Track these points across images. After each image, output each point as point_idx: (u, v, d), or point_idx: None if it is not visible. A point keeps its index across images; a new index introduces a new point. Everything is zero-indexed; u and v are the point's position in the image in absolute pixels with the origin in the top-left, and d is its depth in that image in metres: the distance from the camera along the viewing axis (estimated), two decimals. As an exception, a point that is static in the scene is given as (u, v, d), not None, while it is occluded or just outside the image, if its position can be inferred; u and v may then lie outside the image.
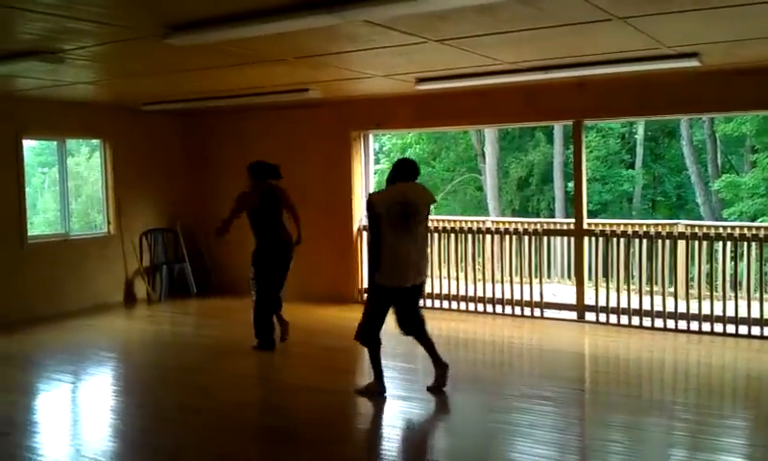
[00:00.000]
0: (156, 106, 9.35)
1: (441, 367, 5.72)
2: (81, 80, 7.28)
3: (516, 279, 8.73)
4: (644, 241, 8.07)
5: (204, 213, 10.65)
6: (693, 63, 6.39)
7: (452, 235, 9.25)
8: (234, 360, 6.98)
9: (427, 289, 9.19)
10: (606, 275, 8.21)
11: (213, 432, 4.98)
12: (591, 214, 18.70)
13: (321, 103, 9.02)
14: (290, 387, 6.20)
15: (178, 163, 10.59)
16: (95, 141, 10.14)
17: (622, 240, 8.13)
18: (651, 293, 7.92)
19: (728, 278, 7.63)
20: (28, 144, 9.56)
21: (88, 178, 19.82)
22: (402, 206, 5.42)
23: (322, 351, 7.25)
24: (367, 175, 9.73)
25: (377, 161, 22.02)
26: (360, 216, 9.59)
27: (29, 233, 9.01)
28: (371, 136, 9.81)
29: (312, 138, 9.69)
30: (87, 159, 20.31)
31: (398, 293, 5.49)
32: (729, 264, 7.68)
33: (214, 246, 10.55)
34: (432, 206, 5.76)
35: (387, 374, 6.59)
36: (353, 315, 8.85)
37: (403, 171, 5.64)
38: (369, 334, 5.61)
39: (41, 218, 19.13)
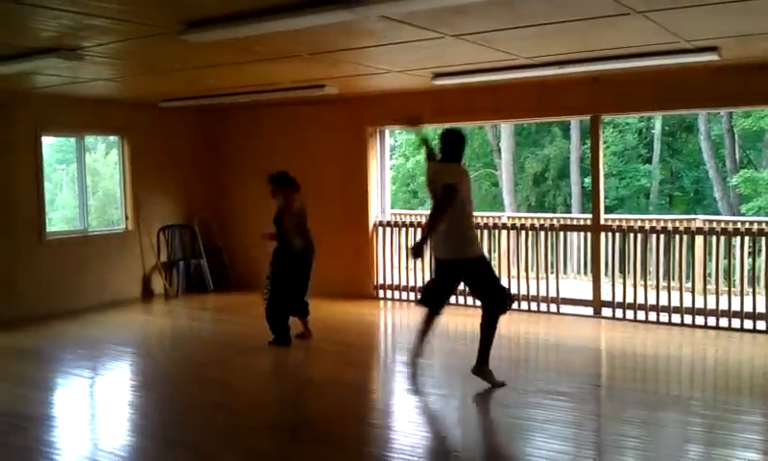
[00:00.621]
0: (173, 102, 9.40)
1: (417, 353, 5.87)
2: (99, 77, 7.33)
3: (533, 275, 8.70)
4: (661, 237, 8.02)
5: (220, 209, 10.74)
6: (712, 57, 6.33)
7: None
8: (252, 356, 7.01)
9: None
10: (623, 270, 8.16)
11: (232, 427, 5.02)
12: (608, 210, 18.58)
13: (337, 99, 9.03)
14: (308, 382, 6.23)
15: (194, 159, 10.64)
16: (112, 138, 10.21)
17: (639, 236, 8.08)
18: (668, 289, 7.87)
19: (746, 273, 7.57)
20: (47, 141, 9.64)
21: (105, 174, 19.98)
22: (431, 184, 5.80)
23: (338, 346, 7.27)
24: (382, 171, 9.73)
25: (392, 157, 22.02)
26: (376, 212, 9.60)
27: (47, 229, 9.09)
28: (386, 132, 9.81)
29: (328, 134, 9.71)
30: (105, 156, 20.48)
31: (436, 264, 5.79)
32: (746, 259, 7.62)
33: (231, 242, 10.63)
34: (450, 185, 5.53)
35: (398, 368, 6.62)
36: (369, 310, 8.95)
37: (444, 148, 5.82)
38: (424, 296, 5.96)
39: (60, 214, 19.31)
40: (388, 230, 9.54)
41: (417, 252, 5.71)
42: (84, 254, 9.37)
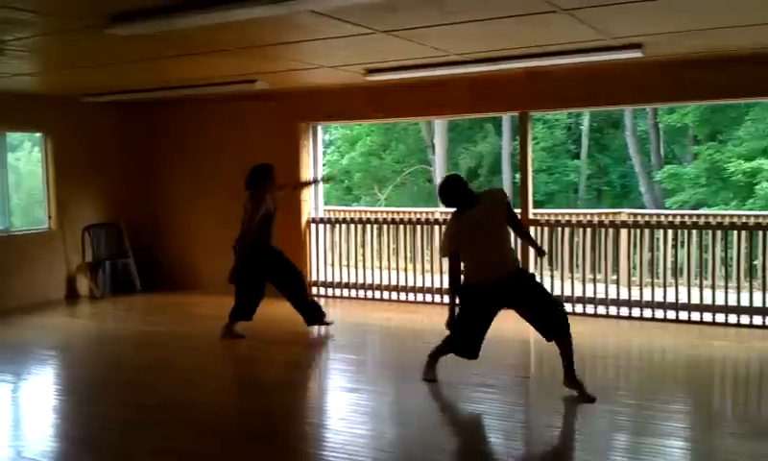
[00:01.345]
0: (99, 97, 9.14)
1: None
2: (21, 72, 7.07)
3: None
4: (588, 230, 8.21)
5: (151, 207, 10.50)
6: (636, 55, 6.52)
7: (402, 227, 9.27)
8: (179, 356, 6.88)
9: (378, 281, 9.24)
10: (551, 264, 8.34)
11: (162, 429, 4.91)
12: (538, 204, 18.94)
13: (269, 94, 8.93)
14: (240, 382, 6.15)
15: (122, 156, 10.36)
16: (38, 135, 9.87)
17: (567, 230, 8.27)
18: (594, 281, 8.08)
19: (668, 265, 7.83)
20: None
21: (30, 172, 19.31)
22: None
23: (272, 345, 7.20)
24: (316, 167, 9.67)
25: (324, 153, 21.96)
26: (310, 209, 9.54)
27: (-34, 229, 8.74)
28: (319, 128, 9.76)
29: (261, 130, 9.60)
30: (30, 153, 19.78)
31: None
32: (669, 252, 7.88)
33: (163, 241, 10.41)
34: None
35: (334, 366, 6.61)
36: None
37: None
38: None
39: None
40: (321, 226, 9.50)
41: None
42: (5, 254, 9.03)
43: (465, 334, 5.36)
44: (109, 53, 6.29)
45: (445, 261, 5.52)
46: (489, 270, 5.20)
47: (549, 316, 5.22)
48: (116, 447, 4.67)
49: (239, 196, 9.63)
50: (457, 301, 5.35)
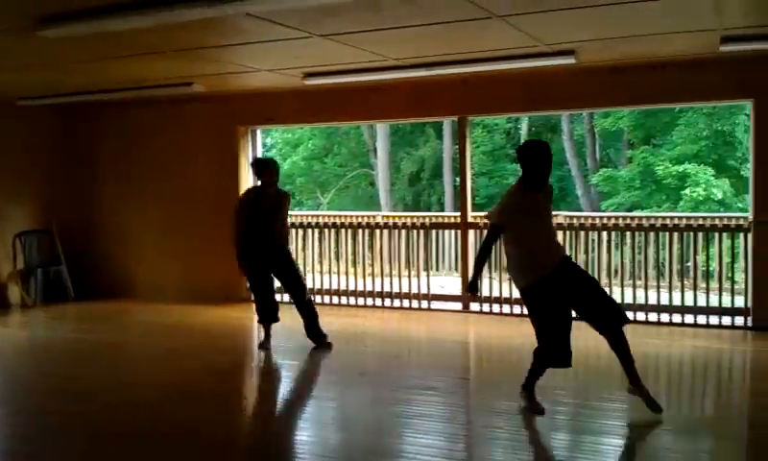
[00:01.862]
0: (34, 101, 8.88)
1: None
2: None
3: (405, 273, 8.86)
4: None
5: (84, 212, 10.22)
6: (570, 61, 6.66)
7: (344, 231, 9.27)
8: (114, 365, 6.73)
9: (319, 285, 9.20)
10: (489, 266, 8.45)
11: (92, 439, 4.79)
12: (479, 207, 19.15)
13: (207, 97, 8.82)
14: (176, 390, 6.02)
15: (55, 161, 10.05)
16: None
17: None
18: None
19: (603, 266, 8.01)
20: None
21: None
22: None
23: (211, 352, 7.09)
24: (255, 171, 9.57)
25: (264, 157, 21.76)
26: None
27: None
28: (258, 132, 9.68)
29: (199, 134, 9.46)
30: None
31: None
32: (604, 254, 8.06)
33: (97, 247, 10.15)
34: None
35: (274, 372, 6.56)
36: (243, 314, 8.79)
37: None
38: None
39: None
40: (261, 231, 9.39)
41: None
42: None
43: (552, 339, 4.84)
44: (42, 55, 6.13)
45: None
46: (543, 257, 4.81)
47: (603, 305, 4.86)
48: (45, 456, 4.53)
49: (177, 200, 9.51)
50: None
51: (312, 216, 12.53)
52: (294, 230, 9.46)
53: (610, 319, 4.82)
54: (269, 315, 6.84)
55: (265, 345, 6.83)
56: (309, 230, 9.43)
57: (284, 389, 6.08)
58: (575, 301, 4.85)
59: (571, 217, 10.21)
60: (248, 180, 9.36)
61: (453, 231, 10.42)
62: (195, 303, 8.92)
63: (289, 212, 6.96)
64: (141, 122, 9.73)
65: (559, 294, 4.79)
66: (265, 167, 6.73)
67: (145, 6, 4.48)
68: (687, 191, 15.86)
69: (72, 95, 8.57)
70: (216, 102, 9.07)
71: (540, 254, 4.82)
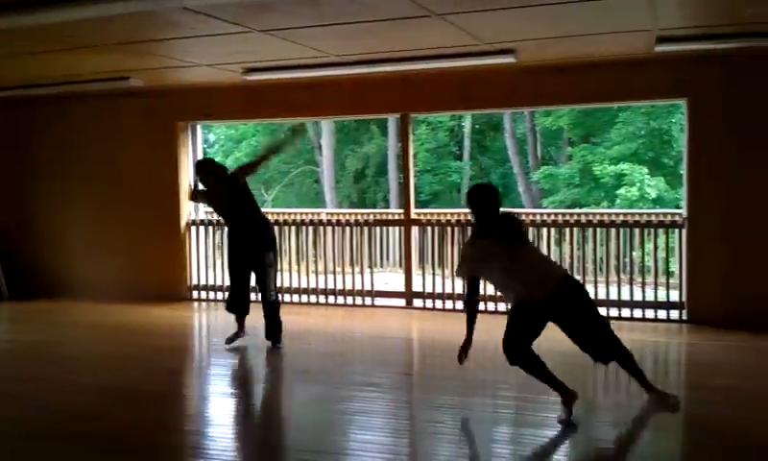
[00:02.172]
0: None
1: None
2: None
3: (349, 270, 8.85)
4: (467, 229, 8.42)
5: (19, 209, 9.91)
6: (509, 60, 6.74)
7: (287, 228, 9.20)
8: (50, 366, 6.54)
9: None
10: (430, 262, 8.52)
11: (25, 442, 4.65)
12: (423, 204, 19.31)
13: (146, 92, 8.64)
14: (115, 391, 5.89)
15: (-14, 156, 9.75)
16: None
17: (448, 228, 8.44)
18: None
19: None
20: None
21: None
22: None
23: (150, 351, 6.95)
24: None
25: (206, 153, 21.50)
26: (189, 210, 9.30)
27: None
28: (199, 128, 9.53)
29: (137, 129, 9.26)
30: None
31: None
32: (545, 249, 8.19)
33: (33, 245, 9.85)
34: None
35: (215, 371, 6.48)
36: (184, 313, 8.66)
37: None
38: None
39: None
40: (202, 228, 9.27)
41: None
42: None
43: (513, 340, 4.76)
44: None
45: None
46: (530, 288, 4.64)
47: (596, 342, 4.77)
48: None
49: (115, 197, 9.30)
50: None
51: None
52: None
53: (604, 352, 4.79)
54: (236, 307, 6.72)
55: (232, 339, 6.72)
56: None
57: (227, 389, 6.00)
58: (567, 329, 4.80)
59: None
60: (188, 175, 9.22)
61: (398, 228, 10.46)
62: (134, 301, 8.75)
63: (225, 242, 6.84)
64: (78, 117, 9.47)
65: (545, 319, 4.71)
66: (198, 172, 6.77)
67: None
68: (623, 190, 16.24)
69: (5, 89, 8.30)
70: (154, 97, 8.89)
71: (524, 287, 4.67)
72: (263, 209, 7.26)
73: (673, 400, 4.85)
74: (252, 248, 6.56)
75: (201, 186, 6.90)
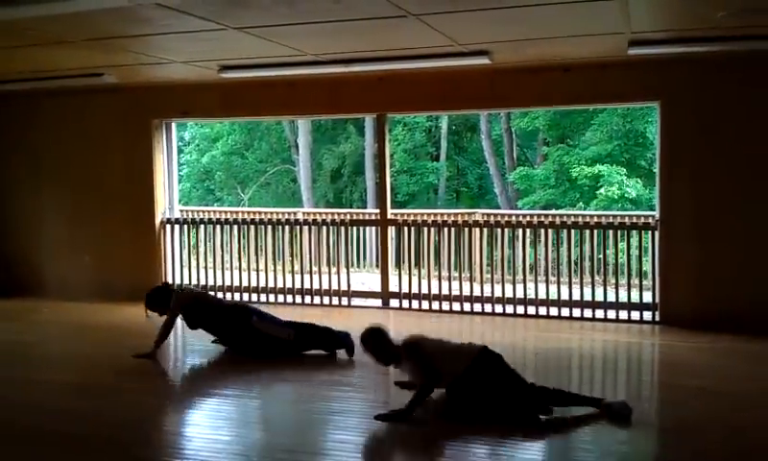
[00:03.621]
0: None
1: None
2: None
3: (326, 270, 8.83)
4: (445, 230, 8.45)
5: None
6: (484, 61, 6.77)
7: (263, 227, 9.17)
8: (26, 364, 6.47)
9: (238, 282, 9.06)
10: (407, 262, 8.53)
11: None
12: (400, 204, 19.35)
13: (120, 89, 8.56)
14: (82, 389, 5.82)
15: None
16: None
17: (423, 229, 8.44)
18: (449, 278, 8.32)
19: (519, 262, 8.17)
20: None
21: None
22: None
23: (126, 350, 6.87)
24: (170, 165, 9.35)
25: (181, 151, 21.41)
26: (164, 209, 9.22)
27: None
28: (173, 125, 9.46)
29: (111, 127, 9.16)
30: None
31: None
32: (520, 250, 8.23)
33: (6, 244, 9.72)
34: None
35: (187, 371, 6.43)
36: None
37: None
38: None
39: None
40: (177, 227, 9.20)
41: None
42: None
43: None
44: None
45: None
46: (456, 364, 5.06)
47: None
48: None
49: (89, 194, 9.22)
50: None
51: (232, 212, 12.41)
52: (213, 227, 9.32)
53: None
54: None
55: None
56: (228, 227, 9.27)
57: (201, 389, 5.95)
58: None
59: (489, 215, 10.43)
60: (161, 173, 9.15)
61: (374, 228, 10.45)
62: (108, 300, 8.66)
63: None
64: (52, 114, 9.35)
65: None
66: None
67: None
68: (602, 190, 16.36)
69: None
70: (129, 93, 8.81)
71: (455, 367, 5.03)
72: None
73: (626, 411, 4.82)
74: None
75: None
